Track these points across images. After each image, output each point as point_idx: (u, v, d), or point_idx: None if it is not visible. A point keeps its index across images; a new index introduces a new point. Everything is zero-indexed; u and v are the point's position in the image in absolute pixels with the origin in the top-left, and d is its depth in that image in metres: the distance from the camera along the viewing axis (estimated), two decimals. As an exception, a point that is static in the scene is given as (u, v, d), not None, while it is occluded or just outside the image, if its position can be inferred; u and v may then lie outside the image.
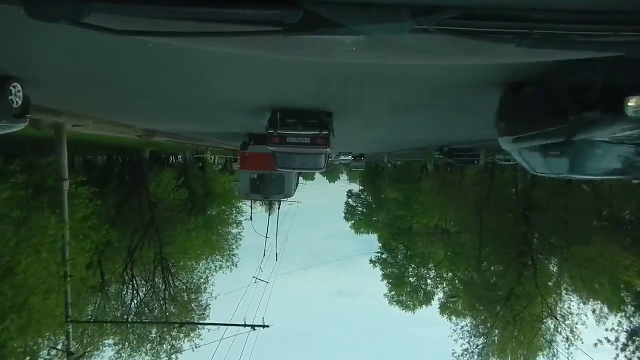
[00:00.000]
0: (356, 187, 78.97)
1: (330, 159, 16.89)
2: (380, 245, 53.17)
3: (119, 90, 9.49)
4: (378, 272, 50.13)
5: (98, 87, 8.98)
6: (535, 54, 1.85)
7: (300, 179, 35.14)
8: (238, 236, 35.78)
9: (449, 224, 42.80)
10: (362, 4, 1.64)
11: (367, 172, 72.43)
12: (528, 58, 2.25)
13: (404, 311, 46.96)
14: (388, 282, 48.85)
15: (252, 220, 34.75)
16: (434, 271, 45.58)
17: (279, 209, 34.68)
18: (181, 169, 39.79)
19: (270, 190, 18.45)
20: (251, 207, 36.53)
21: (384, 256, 51.05)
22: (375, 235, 61.43)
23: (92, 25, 1.62)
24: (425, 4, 1.66)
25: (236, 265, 33.60)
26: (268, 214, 38.40)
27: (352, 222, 68.68)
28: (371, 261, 50.36)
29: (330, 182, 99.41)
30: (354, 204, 71.30)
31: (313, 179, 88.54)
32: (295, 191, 21.46)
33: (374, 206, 68.06)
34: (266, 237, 29.09)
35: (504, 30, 1.72)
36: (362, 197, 73.29)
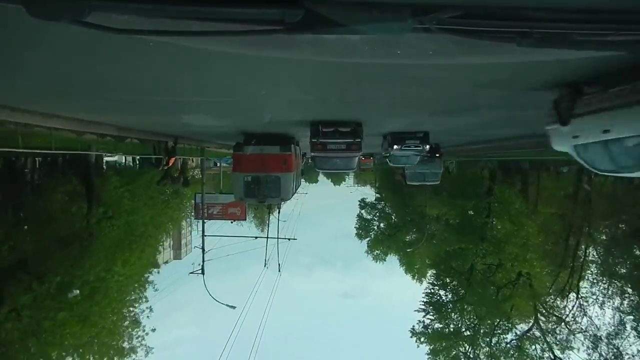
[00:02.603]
0: (367, 192, 61.75)
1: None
2: (424, 294, 34.77)
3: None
4: (415, 328, 33.06)
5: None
6: (536, 53, 1.85)
7: (302, 180, 31.16)
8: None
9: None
10: (363, 2, 1.65)
11: (386, 176, 54.15)
12: (529, 57, 2.25)
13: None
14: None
15: (205, 275, 24.89)
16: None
17: (279, 212, 29.62)
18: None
19: (266, 193, 17.60)
20: (202, 250, 24.27)
21: (429, 315, 33.04)
22: (398, 258, 47.99)
23: (93, 24, 1.63)
24: (426, 3, 1.66)
25: None
26: (269, 218, 31.86)
27: (368, 240, 51.76)
28: (413, 332, 32.62)
29: (335, 185, 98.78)
30: (369, 217, 54.10)
31: (316, 181, 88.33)
32: (293, 194, 20.46)
33: (393, 219, 51.87)
34: (233, 306, 24.27)
35: (505, 30, 1.72)
36: (379, 207, 55.12)
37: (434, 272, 36.16)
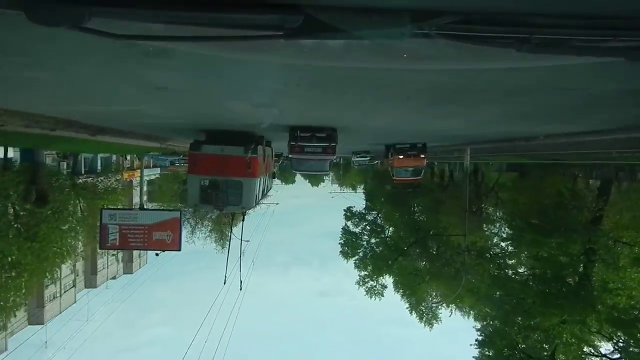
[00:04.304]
0: (352, 199, 50.71)
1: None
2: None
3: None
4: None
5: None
6: (535, 58, 1.87)
7: (274, 181, 26.85)
8: None
9: None
10: (363, 8, 1.65)
11: (378, 178, 44.93)
12: (528, 63, 2.28)
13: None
14: None
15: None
16: None
17: (243, 220, 23.16)
18: None
19: (225, 200, 14.97)
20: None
21: None
22: (398, 289, 37.71)
23: (93, 29, 1.60)
24: (426, 8, 1.67)
25: None
26: (231, 236, 25.28)
27: (355, 260, 40.17)
28: None
29: (312, 186, 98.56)
30: (356, 230, 42.43)
31: (293, 181, 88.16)
32: (258, 202, 17.63)
33: (387, 233, 41.32)
34: None
35: (504, 35, 1.74)
36: (369, 218, 43.71)
37: (487, 353, 23.36)
